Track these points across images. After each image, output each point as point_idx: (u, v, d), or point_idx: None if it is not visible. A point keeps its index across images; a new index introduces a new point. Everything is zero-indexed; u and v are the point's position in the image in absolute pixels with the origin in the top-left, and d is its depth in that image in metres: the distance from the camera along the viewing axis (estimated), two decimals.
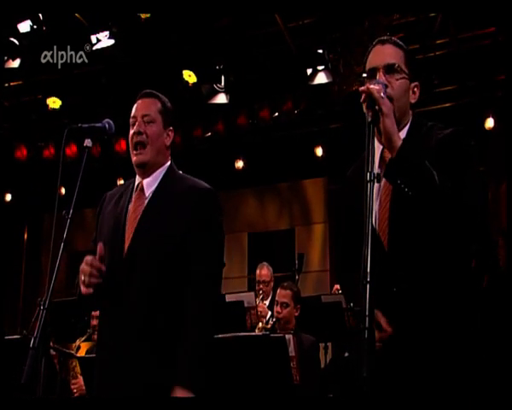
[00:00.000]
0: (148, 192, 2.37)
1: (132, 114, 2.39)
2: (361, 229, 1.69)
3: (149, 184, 2.38)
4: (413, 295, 1.81)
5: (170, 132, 2.42)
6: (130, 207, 2.36)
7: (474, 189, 1.83)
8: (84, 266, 2.18)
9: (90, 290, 2.15)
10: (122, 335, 2.19)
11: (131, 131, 2.36)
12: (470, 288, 1.85)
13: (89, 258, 2.18)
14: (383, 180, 1.87)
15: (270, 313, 5.44)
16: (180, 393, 2.07)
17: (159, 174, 2.39)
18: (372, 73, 1.95)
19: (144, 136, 2.34)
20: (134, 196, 2.39)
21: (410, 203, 1.81)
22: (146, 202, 2.35)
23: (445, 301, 1.81)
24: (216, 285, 2.31)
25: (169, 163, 2.44)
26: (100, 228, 2.43)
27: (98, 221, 2.49)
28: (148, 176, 2.38)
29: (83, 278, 2.17)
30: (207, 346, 2.18)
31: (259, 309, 5.37)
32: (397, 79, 1.93)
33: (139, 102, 2.41)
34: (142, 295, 2.20)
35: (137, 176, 2.43)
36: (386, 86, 1.88)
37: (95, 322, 4.37)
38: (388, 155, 1.93)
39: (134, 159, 2.37)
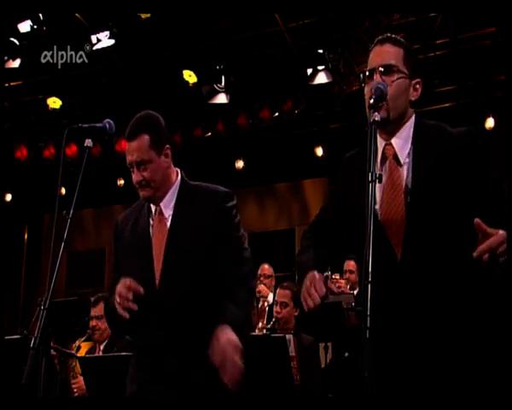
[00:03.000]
0: (168, 213, 2.34)
1: (127, 161, 2.33)
2: (358, 224, 1.70)
3: (166, 205, 2.35)
4: (422, 298, 1.81)
5: (167, 151, 2.36)
6: (153, 231, 2.34)
7: (496, 195, 1.87)
8: (121, 289, 2.13)
9: (127, 315, 2.11)
10: (165, 364, 2.19)
11: (133, 176, 2.33)
12: (480, 290, 1.85)
13: (127, 281, 2.13)
14: (385, 185, 1.88)
15: (271, 294, 5.45)
16: (224, 329, 2.09)
17: (172, 194, 2.36)
18: (370, 74, 1.97)
19: (144, 182, 2.30)
20: (155, 219, 2.36)
21: (429, 210, 1.83)
22: (168, 224, 2.32)
23: (452, 302, 1.81)
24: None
25: (179, 178, 2.41)
26: (122, 257, 2.39)
27: (116, 249, 2.45)
28: (160, 201, 2.35)
29: (119, 300, 2.13)
30: (248, 314, 2.27)
31: (260, 289, 5.40)
32: (394, 80, 1.94)
33: (128, 145, 2.33)
34: (182, 319, 2.20)
35: None
36: (386, 87, 1.89)
37: (94, 322, 4.37)
38: (390, 153, 1.94)
39: (141, 194, 2.34)
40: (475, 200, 1.81)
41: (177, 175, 2.41)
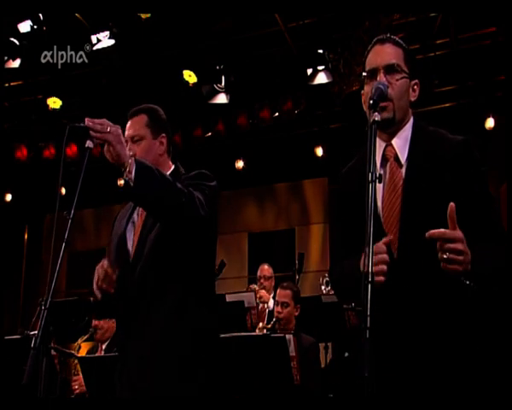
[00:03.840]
0: None
1: (125, 137, 2.40)
2: (360, 230, 1.69)
3: None
4: (420, 299, 1.81)
5: (162, 140, 2.45)
6: (135, 216, 2.43)
7: (490, 205, 1.86)
8: (98, 268, 2.25)
9: (99, 296, 2.22)
10: (141, 338, 2.23)
11: None
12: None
13: (104, 263, 2.24)
14: (386, 187, 1.88)
15: (272, 300, 5.45)
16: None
17: None
18: (372, 74, 1.95)
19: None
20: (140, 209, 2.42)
21: (423, 208, 1.82)
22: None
23: (449, 302, 1.81)
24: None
25: (172, 168, 2.47)
26: (110, 243, 2.50)
27: (111, 235, 2.55)
28: None
29: (96, 278, 2.23)
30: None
31: (261, 294, 5.39)
32: (397, 79, 1.93)
33: (128, 123, 2.46)
34: (157, 297, 2.26)
35: None
36: (387, 87, 1.89)
37: (96, 322, 4.39)
38: (391, 154, 1.94)
39: None
40: (466, 211, 1.80)
41: (169, 167, 2.47)
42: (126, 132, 2.41)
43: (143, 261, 2.30)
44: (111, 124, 2.07)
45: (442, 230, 1.64)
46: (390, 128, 1.94)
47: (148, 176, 2.08)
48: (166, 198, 2.11)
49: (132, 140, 2.39)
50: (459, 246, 1.64)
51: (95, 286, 2.24)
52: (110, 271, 2.22)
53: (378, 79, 1.92)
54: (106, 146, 2.08)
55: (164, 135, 2.45)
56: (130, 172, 2.07)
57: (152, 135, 2.42)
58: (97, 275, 2.24)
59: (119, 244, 2.40)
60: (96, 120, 2.05)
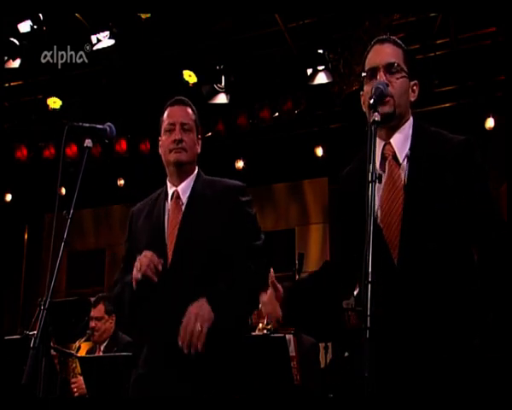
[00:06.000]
0: (185, 198, 2.41)
1: (170, 121, 2.43)
2: (359, 230, 1.69)
3: (184, 190, 2.42)
4: (419, 299, 1.80)
5: (199, 141, 2.50)
6: (169, 214, 2.40)
7: (491, 204, 1.86)
8: (142, 258, 2.21)
9: (139, 277, 2.19)
10: (172, 343, 2.20)
11: (170, 138, 2.40)
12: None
13: (149, 253, 2.22)
14: (385, 186, 1.88)
15: None
16: (198, 301, 2.18)
17: (191, 180, 2.44)
18: (372, 73, 1.95)
19: (184, 143, 2.39)
20: (171, 203, 2.41)
21: (425, 208, 1.82)
22: (183, 207, 2.39)
23: (449, 303, 1.81)
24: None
25: (197, 170, 2.50)
26: (136, 243, 2.43)
27: (131, 238, 2.51)
28: (182, 180, 2.42)
29: (139, 266, 2.20)
30: (244, 297, 2.27)
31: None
32: (397, 79, 1.94)
33: (176, 108, 2.47)
34: (190, 301, 2.23)
35: (169, 183, 2.46)
36: (387, 85, 1.89)
37: (93, 324, 4.37)
38: (389, 152, 1.94)
39: (173, 157, 2.40)
40: (468, 210, 1.81)
41: (196, 169, 2.50)
42: (173, 119, 2.43)
43: (183, 265, 2.29)
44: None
45: None
46: (389, 123, 1.93)
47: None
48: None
49: (183, 127, 2.42)
50: None
51: (135, 272, 2.20)
52: (156, 260, 2.19)
53: (378, 77, 1.92)
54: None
55: (200, 137, 2.52)
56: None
57: (196, 132, 2.48)
58: (140, 263, 2.20)
59: (155, 240, 2.35)
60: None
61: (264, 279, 2.12)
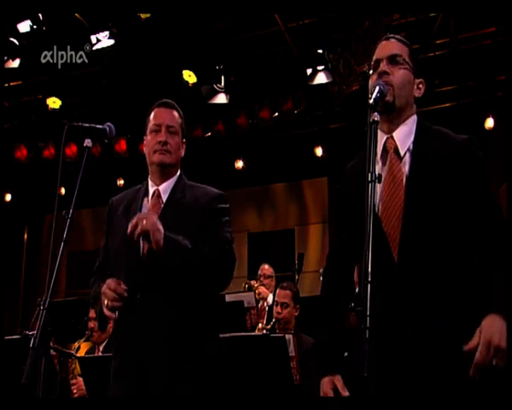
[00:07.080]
0: (165, 198, 2.44)
1: (156, 122, 2.45)
2: (359, 227, 1.69)
3: (165, 190, 2.45)
4: (420, 298, 1.80)
5: (184, 145, 2.52)
6: (147, 211, 2.42)
7: (494, 204, 1.87)
8: (106, 290, 2.22)
9: (113, 315, 2.22)
10: (146, 339, 2.23)
11: (155, 139, 2.43)
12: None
13: (112, 283, 2.22)
14: (385, 180, 1.88)
15: (271, 295, 5.44)
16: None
17: (172, 182, 2.47)
18: (376, 65, 1.99)
19: (169, 146, 2.42)
20: (150, 201, 2.43)
21: (427, 204, 1.83)
22: (162, 207, 2.42)
23: (450, 302, 1.81)
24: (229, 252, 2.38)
25: (180, 172, 2.53)
26: (112, 235, 2.48)
27: (108, 229, 2.54)
28: (164, 181, 2.45)
29: (106, 302, 2.20)
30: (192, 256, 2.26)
31: (260, 290, 5.38)
32: (399, 69, 1.97)
33: (162, 110, 2.49)
34: (166, 299, 2.25)
35: (151, 182, 2.48)
36: (386, 85, 1.89)
37: (92, 324, 4.36)
38: (391, 146, 1.94)
39: (157, 158, 2.43)
40: (469, 210, 1.82)
41: (179, 171, 2.53)
42: (160, 120, 2.45)
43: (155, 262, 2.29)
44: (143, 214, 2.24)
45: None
46: (389, 114, 1.94)
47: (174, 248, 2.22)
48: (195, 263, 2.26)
49: (168, 129, 2.44)
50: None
51: (105, 310, 2.21)
52: (120, 289, 2.20)
53: (381, 66, 1.95)
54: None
55: (184, 141, 2.54)
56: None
57: (181, 136, 2.50)
58: (106, 298, 2.20)
59: (129, 245, 2.36)
60: (133, 220, 2.20)
61: (210, 263, 2.24)
